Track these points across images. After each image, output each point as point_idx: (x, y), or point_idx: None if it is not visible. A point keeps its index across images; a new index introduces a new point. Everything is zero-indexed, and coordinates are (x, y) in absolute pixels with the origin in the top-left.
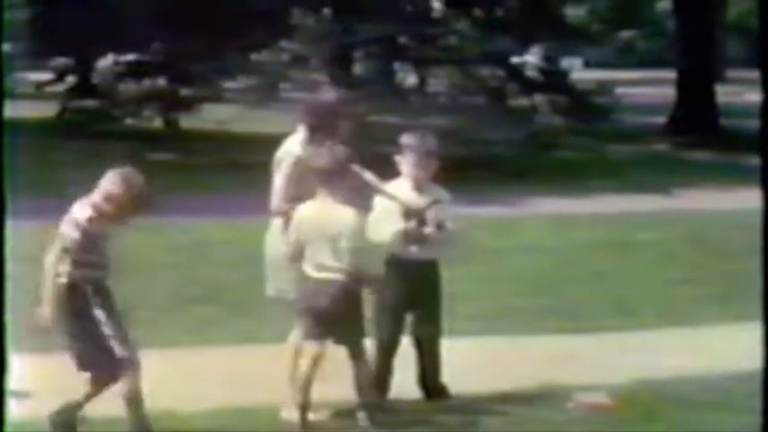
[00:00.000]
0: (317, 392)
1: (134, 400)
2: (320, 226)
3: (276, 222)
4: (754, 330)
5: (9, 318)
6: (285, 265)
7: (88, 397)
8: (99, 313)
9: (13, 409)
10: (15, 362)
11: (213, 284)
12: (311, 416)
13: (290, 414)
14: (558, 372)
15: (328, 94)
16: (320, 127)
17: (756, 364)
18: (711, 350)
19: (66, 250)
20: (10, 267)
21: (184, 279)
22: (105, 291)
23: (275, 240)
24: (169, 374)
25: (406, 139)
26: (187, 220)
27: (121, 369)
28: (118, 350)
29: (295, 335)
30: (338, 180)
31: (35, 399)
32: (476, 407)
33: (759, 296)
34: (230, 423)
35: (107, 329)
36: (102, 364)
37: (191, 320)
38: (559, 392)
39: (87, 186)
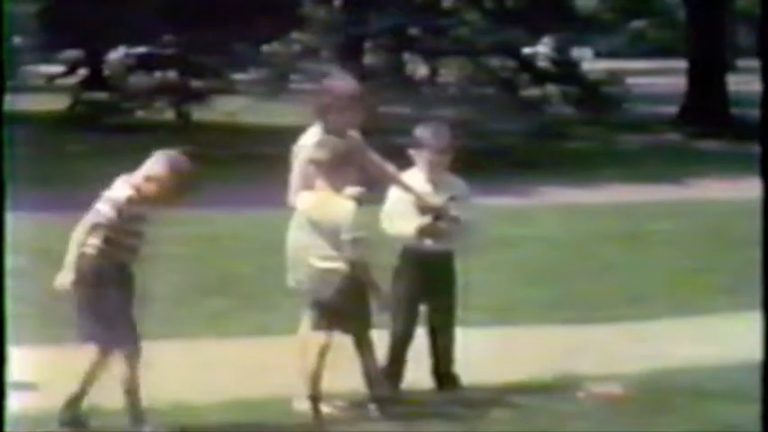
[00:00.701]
0: (332, 383)
1: (129, 387)
2: (321, 217)
3: (297, 214)
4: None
5: (28, 310)
6: (303, 257)
7: (88, 380)
8: (113, 293)
9: (21, 401)
10: (20, 354)
11: (226, 276)
12: (324, 407)
13: (302, 405)
14: (570, 362)
15: (338, 82)
16: (332, 116)
17: None
18: (724, 340)
19: (96, 226)
20: (22, 260)
21: (197, 271)
22: (127, 275)
23: (295, 232)
24: (182, 366)
25: (420, 132)
26: (199, 212)
27: (120, 349)
28: (121, 332)
29: (304, 326)
30: (337, 172)
31: (42, 390)
32: (487, 397)
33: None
34: (242, 414)
35: (116, 311)
36: (104, 340)
37: (203, 312)
38: (571, 383)
39: (99, 178)
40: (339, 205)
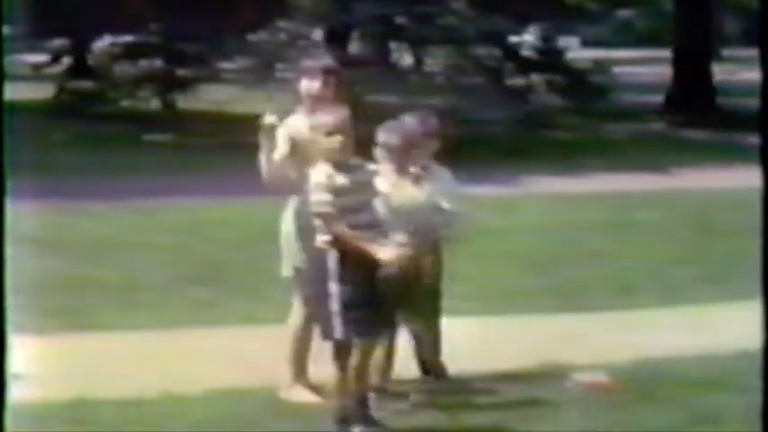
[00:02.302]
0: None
1: (358, 377)
2: (398, 203)
3: (293, 201)
4: (753, 309)
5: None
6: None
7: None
8: (334, 285)
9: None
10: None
11: (211, 265)
12: (313, 396)
13: (288, 394)
14: (557, 351)
15: (314, 60)
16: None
17: (756, 343)
18: (711, 329)
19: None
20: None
21: (182, 260)
22: (355, 258)
23: (291, 219)
24: (168, 355)
25: (407, 120)
26: (184, 201)
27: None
28: (338, 328)
29: (295, 316)
30: (408, 156)
31: (28, 382)
32: (474, 386)
33: (758, 275)
34: (228, 404)
35: (335, 304)
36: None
37: (189, 301)
38: (559, 372)
39: (83, 167)
40: (415, 189)
